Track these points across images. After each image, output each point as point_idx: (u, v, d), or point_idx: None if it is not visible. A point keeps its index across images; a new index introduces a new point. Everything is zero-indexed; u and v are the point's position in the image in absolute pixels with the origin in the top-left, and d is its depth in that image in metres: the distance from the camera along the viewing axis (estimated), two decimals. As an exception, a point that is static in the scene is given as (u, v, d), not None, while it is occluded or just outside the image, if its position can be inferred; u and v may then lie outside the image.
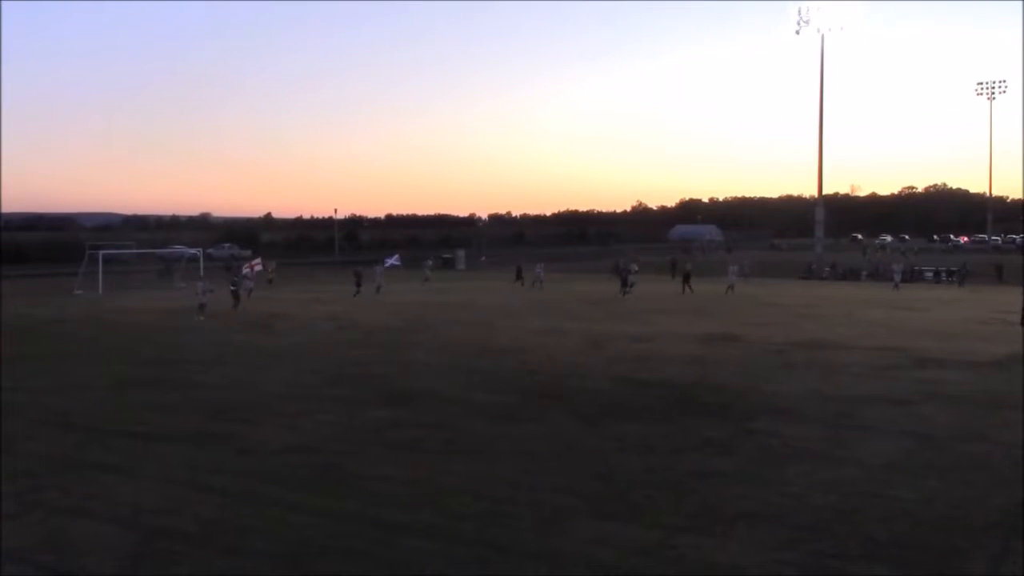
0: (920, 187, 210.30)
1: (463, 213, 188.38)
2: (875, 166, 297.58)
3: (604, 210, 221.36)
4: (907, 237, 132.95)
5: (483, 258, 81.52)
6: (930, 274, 55.04)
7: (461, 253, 76.01)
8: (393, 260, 59.99)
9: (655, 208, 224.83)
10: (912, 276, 54.78)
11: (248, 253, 75.50)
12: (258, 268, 53.16)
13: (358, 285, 41.26)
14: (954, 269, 54.80)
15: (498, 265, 70.50)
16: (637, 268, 48.54)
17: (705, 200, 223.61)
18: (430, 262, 57.20)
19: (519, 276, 48.87)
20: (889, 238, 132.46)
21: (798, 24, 66.49)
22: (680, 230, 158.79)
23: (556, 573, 8.16)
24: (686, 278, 43.59)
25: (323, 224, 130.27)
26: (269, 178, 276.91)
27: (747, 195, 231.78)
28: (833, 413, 15.08)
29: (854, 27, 66.91)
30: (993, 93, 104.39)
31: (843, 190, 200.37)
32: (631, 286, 41.74)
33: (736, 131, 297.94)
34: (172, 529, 9.26)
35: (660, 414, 15.07)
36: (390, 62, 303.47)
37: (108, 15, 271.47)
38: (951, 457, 12.26)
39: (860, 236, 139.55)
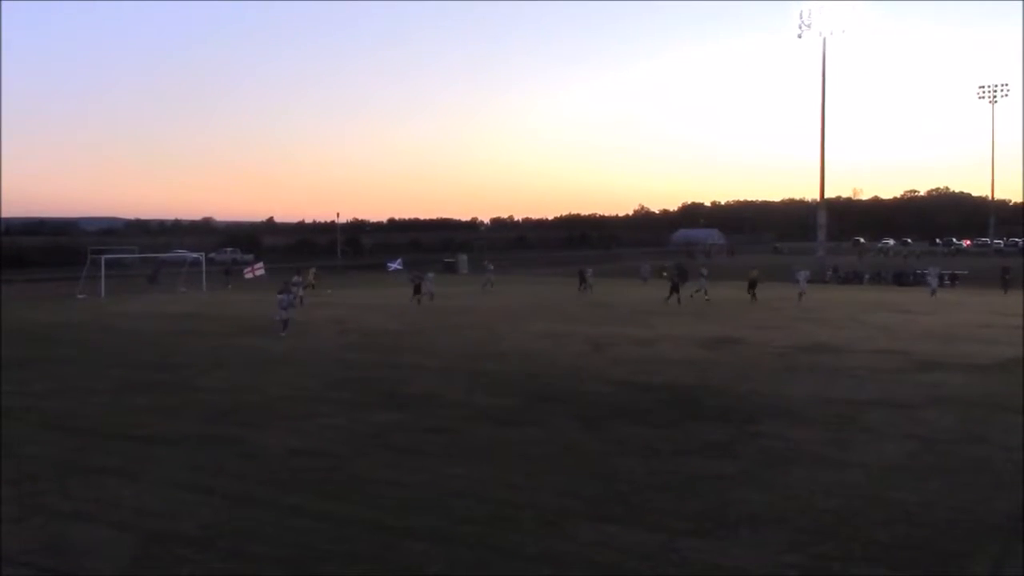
0: (922, 190, 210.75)
1: (465, 217, 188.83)
2: (877, 169, 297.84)
3: (606, 214, 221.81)
4: (909, 240, 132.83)
5: (485, 262, 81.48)
6: (805, 274, 54.78)
7: (464, 257, 75.96)
8: (396, 264, 60.02)
9: (657, 212, 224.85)
10: (914, 280, 54.73)
11: (250, 257, 75.62)
12: (260, 272, 53.36)
13: (417, 292, 38.44)
14: (959, 273, 54.74)
15: (500, 270, 70.49)
16: (707, 272, 44.50)
17: (707, 204, 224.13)
18: (492, 266, 53.12)
19: (583, 280, 47.15)
20: (891, 241, 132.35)
21: (800, 27, 66.49)
22: (682, 234, 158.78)
23: (558, 576, 8.16)
24: (752, 285, 40.80)
25: (325, 228, 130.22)
26: (271, 182, 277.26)
27: (749, 199, 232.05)
28: (835, 416, 15.07)
29: (856, 30, 66.87)
30: (995, 97, 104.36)
31: (845, 194, 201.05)
32: (702, 291, 40.14)
33: (738, 135, 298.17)
34: (174, 533, 9.25)
35: (662, 417, 15.06)
36: (392, 66, 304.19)
37: (109, 18, 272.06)
38: (953, 460, 12.25)
39: (862, 239, 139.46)
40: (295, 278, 36.52)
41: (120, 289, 47.00)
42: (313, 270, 47.11)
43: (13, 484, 11.04)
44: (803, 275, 42.14)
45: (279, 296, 27.65)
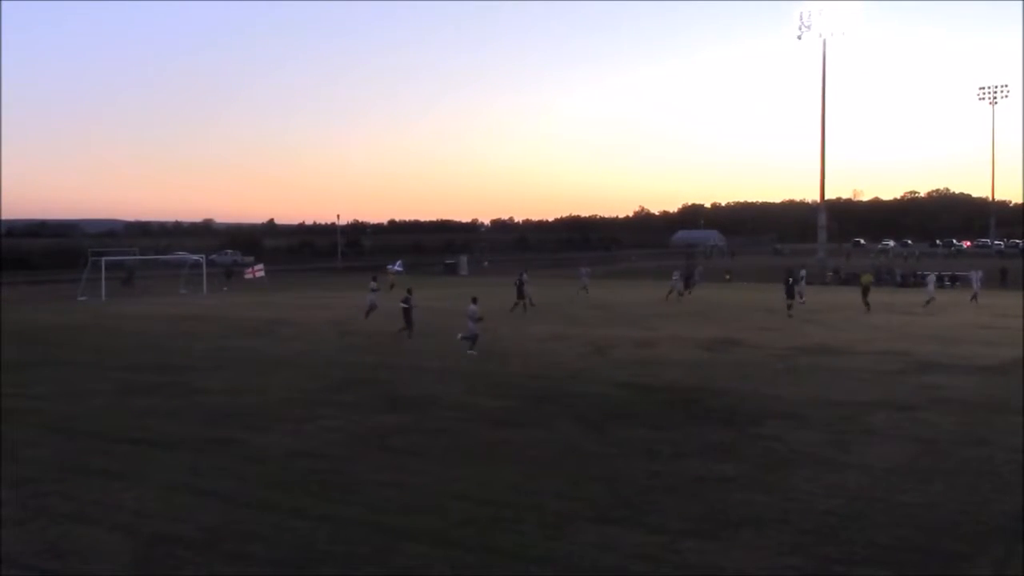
0: (923, 191, 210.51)
1: (465, 219, 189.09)
2: (878, 171, 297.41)
3: (606, 215, 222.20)
4: (910, 241, 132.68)
5: (486, 263, 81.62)
6: (933, 279, 54.75)
7: (464, 259, 76.02)
8: (396, 267, 59.98)
9: (657, 213, 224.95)
10: (914, 280, 54.63)
11: (251, 259, 75.65)
12: (260, 274, 53.38)
13: (520, 297, 34.88)
14: (960, 274, 54.61)
15: (500, 271, 70.51)
16: (804, 273, 40.80)
17: (707, 205, 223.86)
18: (587, 269, 49.73)
19: (688, 284, 43.87)
20: (892, 243, 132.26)
21: (800, 29, 66.48)
22: (682, 235, 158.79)
23: (560, 578, 8.14)
24: (865, 291, 36.44)
25: (326, 230, 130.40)
26: (272, 184, 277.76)
27: (749, 200, 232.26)
28: (837, 418, 15.05)
29: (856, 31, 66.98)
30: (995, 98, 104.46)
31: (846, 195, 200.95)
32: (800, 297, 35.95)
33: (738, 136, 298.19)
34: (175, 535, 9.25)
35: (664, 419, 15.05)
36: (392, 68, 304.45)
37: (111, 21, 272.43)
38: (955, 462, 12.23)
39: (863, 241, 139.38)
40: (373, 284, 34.07)
41: (120, 291, 47.08)
42: (395, 268, 44.82)
43: (15, 486, 11.04)
44: (932, 278, 38.67)
45: (471, 307, 23.58)
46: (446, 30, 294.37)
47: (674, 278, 43.09)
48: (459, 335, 23.70)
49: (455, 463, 12.17)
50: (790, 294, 33.85)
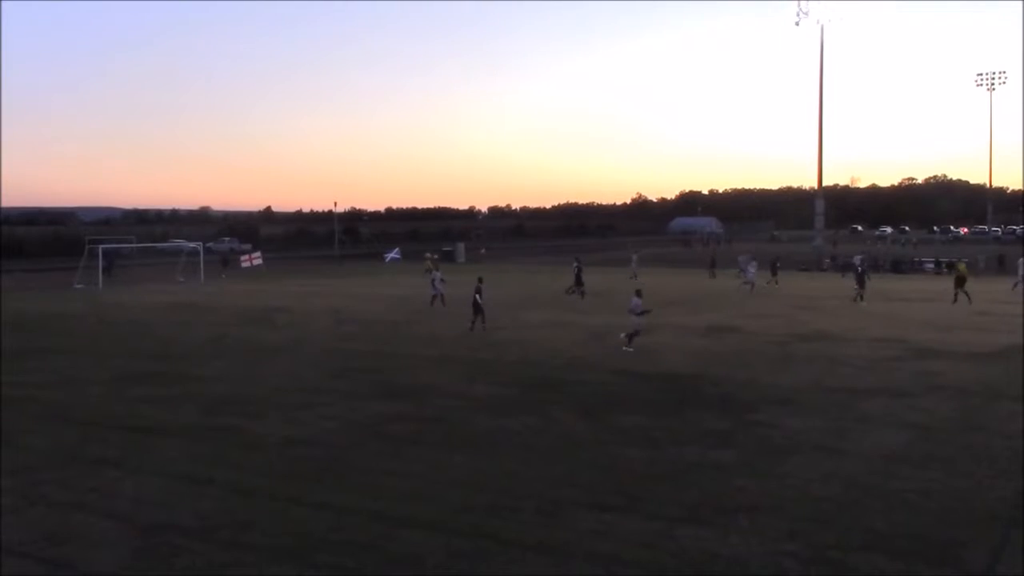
0: (920, 178, 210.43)
1: (463, 206, 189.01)
2: (875, 157, 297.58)
3: (604, 203, 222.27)
4: (907, 228, 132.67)
5: (483, 251, 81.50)
6: (931, 266, 54.88)
7: (461, 246, 75.90)
8: (393, 254, 59.95)
9: (655, 200, 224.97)
10: (912, 268, 54.75)
11: (248, 247, 75.52)
12: (257, 262, 53.32)
13: (579, 283, 34.23)
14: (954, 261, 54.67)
15: (497, 258, 70.42)
16: (862, 258, 39.27)
17: (705, 192, 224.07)
18: (636, 256, 48.57)
19: (774, 272, 41.01)
20: (889, 229, 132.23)
21: (798, 16, 66.60)
22: (680, 222, 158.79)
23: (557, 565, 8.16)
24: (960, 282, 33.52)
25: (323, 218, 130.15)
26: (269, 172, 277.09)
27: (747, 187, 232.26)
28: (834, 405, 15.08)
29: (853, 18, 67.12)
30: (993, 84, 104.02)
31: (843, 182, 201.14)
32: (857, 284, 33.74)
33: (736, 123, 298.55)
34: (172, 523, 9.25)
35: (660, 406, 15.06)
36: (390, 57, 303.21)
37: (107, 12, 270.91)
38: (951, 448, 12.26)
39: (860, 227, 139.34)
40: (437, 273, 32.81)
41: (117, 279, 47.03)
42: (435, 256, 44.41)
43: (12, 475, 11.04)
44: None
45: (635, 301, 21.99)
46: (445, 18, 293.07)
47: (748, 269, 39.24)
48: (622, 334, 21.98)
49: (453, 451, 12.18)
50: (860, 282, 33.53)
